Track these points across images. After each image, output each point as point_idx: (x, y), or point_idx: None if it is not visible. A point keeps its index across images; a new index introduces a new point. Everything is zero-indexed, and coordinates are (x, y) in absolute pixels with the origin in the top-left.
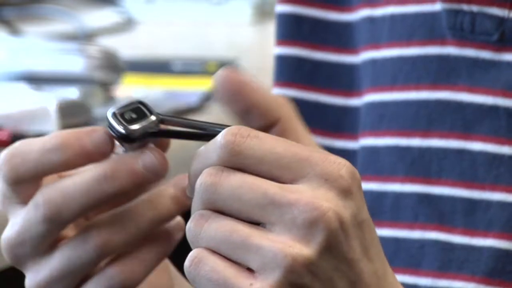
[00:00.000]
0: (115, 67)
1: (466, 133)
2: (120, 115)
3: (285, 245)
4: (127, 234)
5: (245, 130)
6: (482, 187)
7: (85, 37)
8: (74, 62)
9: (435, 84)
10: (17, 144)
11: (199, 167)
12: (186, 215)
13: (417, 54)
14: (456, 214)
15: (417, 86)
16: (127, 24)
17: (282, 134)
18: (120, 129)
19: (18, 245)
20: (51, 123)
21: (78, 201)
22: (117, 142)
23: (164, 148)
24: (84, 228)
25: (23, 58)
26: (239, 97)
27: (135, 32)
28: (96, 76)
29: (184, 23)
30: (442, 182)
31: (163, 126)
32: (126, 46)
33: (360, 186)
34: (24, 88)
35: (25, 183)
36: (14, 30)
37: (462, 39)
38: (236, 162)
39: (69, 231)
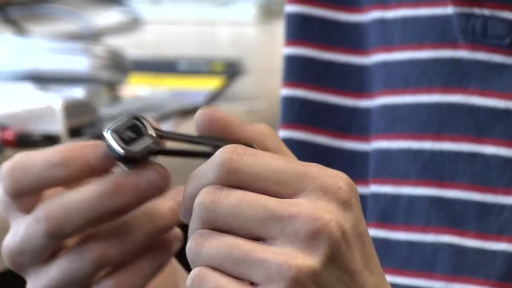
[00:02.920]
0: (121, 66)
1: (478, 136)
2: (118, 135)
3: (288, 256)
4: (124, 247)
5: (241, 148)
6: (495, 190)
7: (90, 36)
8: (80, 62)
9: (447, 88)
10: (19, 157)
11: (195, 187)
12: (184, 226)
13: (429, 57)
14: (469, 218)
15: (429, 89)
16: (133, 24)
17: None
18: (120, 151)
19: (19, 254)
20: (57, 123)
21: (80, 216)
22: None
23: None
24: (81, 241)
25: (28, 58)
26: (222, 135)
27: (141, 32)
28: (101, 75)
29: (189, 23)
30: (455, 185)
31: (162, 142)
32: (132, 46)
33: (358, 198)
34: (29, 87)
35: (26, 196)
36: (19, 30)
37: (474, 42)
38: (233, 180)
39: (71, 240)
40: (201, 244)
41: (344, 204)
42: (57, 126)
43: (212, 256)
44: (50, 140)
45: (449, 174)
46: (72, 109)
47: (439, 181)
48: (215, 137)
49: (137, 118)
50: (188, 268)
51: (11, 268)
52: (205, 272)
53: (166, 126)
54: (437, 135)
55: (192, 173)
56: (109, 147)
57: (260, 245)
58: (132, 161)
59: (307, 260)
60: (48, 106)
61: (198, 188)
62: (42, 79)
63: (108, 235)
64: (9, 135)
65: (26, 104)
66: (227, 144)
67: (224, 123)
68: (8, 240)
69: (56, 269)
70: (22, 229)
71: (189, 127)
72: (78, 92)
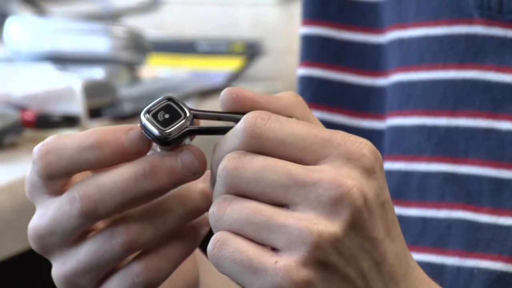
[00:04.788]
0: (140, 47)
1: (494, 112)
2: (153, 116)
3: (310, 222)
4: (155, 230)
5: (266, 113)
6: (509, 166)
7: (110, 17)
8: (100, 43)
9: (462, 64)
10: (52, 140)
11: (221, 154)
12: None
13: (444, 34)
14: (483, 194)
15: (444, 66)
16: (152, 4)
17: None
18: (156, 132)
19: (47, 236)
20: (76, 104)
21: (115, 198)
22: None
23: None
24: (112, 223)
25: (48, 39)
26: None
27: (160, 12)
28: (121, 56)
29: (209, 3)
30: (469, 161)
31: (196, 121)
32: (152, 27)
33: (382, 166)
34: (49, 68)
35: (57, 179)
36: (39, 10)
37: (489, 18)
38: (257, 145)
39: (100, 223)
40: (223, 208)
41: (368, 171)
42: (77, 107)
43: (234, 221)
44: (69, 121)
45: (464, 150)
46: (92, 90)
47: (454, 157)
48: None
49: (171, 99)
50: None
51: (36, 251)
52: (227, 236)
53: None
54: (453, 111)
55: (218, 142)
56: (145, 128)
57: (283, 210)
58: (168, 142)
59: (328, 226)
60: (67, 87)
61: (223, 154)
62: (62, 60)
63: (140, 217)
64: (29, 116)
65: (46, 85)
66: None
67: (250, 102)
68: (35, 222)
69: (85, 251)
70: (52, 210)
71: (209, 108)
72: (97, 73)
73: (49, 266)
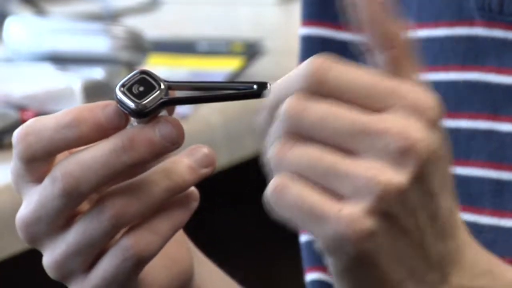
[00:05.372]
0: (140, 47)
1: (495, 114)
2: (128, 90)
3: (378, 171)
4: (142, 204)
5: (331, 59)
6: (510, 168)
7: (110, 17)
8: (99, 43)
9: (463, 65)
10: (31, 122)
11: (280, 95)
12: (199, 186)
13: (445, 35)
14: (484, 195)
15: (446, 67)
16: (152, 4)
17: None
18: (131, 105)
19: (34, 223)
20: (76, 104)
21: (96, 173)
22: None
23: (170, 111)
24: (98, 200)
25: (48, 39)
26: (374, 23)
27: (160, 12)
28: (121, 56)
29: (209, 3)
30: (470, 163)
31: (171, 92)
32: (151, 26)
33: (442, 121)
34: (49, 68)
35: (39, 161)
36: (39, 10)
37: (490, 20)
38: (322, 90)
39: (85, 206)
40: (283, 152)
41: (432, 124)
42: None
43: (296, 165)
44: None
45: (465, 152)
46: (92, 89)
47: (455, 159)
48: (224, 81)
49: (145, 72)
50: (196, 242)
51: (26, 242)
52: (288, 180)
53: (185, 107)
54: (454, 113)
55: (277, 82)
56: (120, 102)
57: (348, 157)
58: (144, 114)
59: (395, 176)
60: (67, 87)
61: (282, 96)
62: (61, 60)
63: (126, 192)
64: (28, 116)
65: (46, 85)
66: (236, 86)
67: (382, 12)
68: (22, 212)
69: (73, 233)
70: (36, 195)
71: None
72: (97, 73)
73: None
